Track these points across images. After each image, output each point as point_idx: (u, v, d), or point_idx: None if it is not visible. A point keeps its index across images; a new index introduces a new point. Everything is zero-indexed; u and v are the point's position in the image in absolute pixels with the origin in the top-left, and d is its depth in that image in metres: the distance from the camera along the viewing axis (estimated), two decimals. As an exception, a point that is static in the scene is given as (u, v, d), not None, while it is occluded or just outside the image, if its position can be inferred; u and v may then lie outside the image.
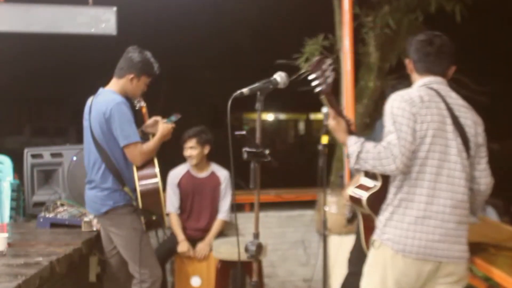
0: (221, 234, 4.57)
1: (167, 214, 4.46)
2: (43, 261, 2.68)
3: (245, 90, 2.30)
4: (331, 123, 2.60)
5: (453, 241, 2.54)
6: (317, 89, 2.52)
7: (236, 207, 4.92)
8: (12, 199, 4.10)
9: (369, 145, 2.45)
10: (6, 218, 3.99)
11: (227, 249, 4.21)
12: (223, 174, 4.56)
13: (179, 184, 4.52)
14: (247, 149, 2.19)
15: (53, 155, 4.28)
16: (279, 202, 5.27)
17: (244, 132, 2.12)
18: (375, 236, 2.55)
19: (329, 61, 2.52)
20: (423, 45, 2.65)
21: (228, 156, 2.34)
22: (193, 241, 4.45)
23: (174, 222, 4.48)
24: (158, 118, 3.60)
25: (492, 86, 5.83)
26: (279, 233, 5.12)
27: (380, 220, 2.53)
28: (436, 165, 2.45)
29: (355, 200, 2.76)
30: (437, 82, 2.62)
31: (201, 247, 4.40)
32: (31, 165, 4.24)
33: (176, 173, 4.56)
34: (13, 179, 4.18)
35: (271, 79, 2.39)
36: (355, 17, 4.88)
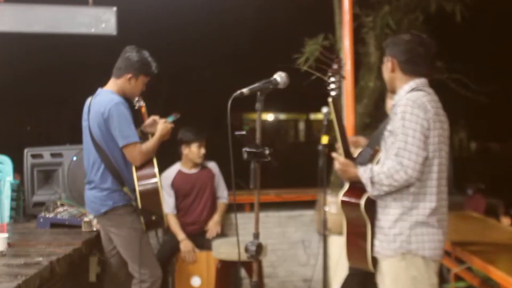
0: (221, 234, 4.59)
1: (166, 215, 4.48)
2: (43, 261, 2.68)
3: (245, 90, 2.29)
4: (338, 167, 2.62)
5: None
6: (332, 93, 2.62)
7: (236, 207, 4.93)
8: (12, 199, 4.10)
9: (377, 167, 2.50)
10: (6, 218, 3.99)
11: (227, 249, 4.21)
12: (212, 165, 4.73)
13: (173, 184, 4.59)
14: (247, 149, 2.19)
15: (53, 155, 4.28)
16: (279, 202, 5.27)
17: (244, 132, 2.12)
18: (399, 250, 2.51)
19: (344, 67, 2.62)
20: (413, 46, 2.63)
21: (228, 156, 2.34)
22: (194, 238, 4.50)
23: (172, 222, 4.51)
24: (157, 117, 3.60)
25: (492, 86, 5.83)
26: (279, 233, 5.12)
27: (400, 232, 2.51)
28: (440, 170, 2.55)
29: (349, 205, 2.69)
30: (426, 84, 2.64)
31: (212, 225, 4.54)
32: (31, 165, 4.23)
33: (168, 175, 4.62)
34: (13, 179, 4.18)
35: (271, 79, 2.39)
36: (355, 17, 4.88)
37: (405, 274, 2.50)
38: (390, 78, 2.68)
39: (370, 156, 2.70)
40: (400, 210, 2.51)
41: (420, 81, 2.61)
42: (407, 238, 2.49)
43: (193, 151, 4.54)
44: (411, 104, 2.46)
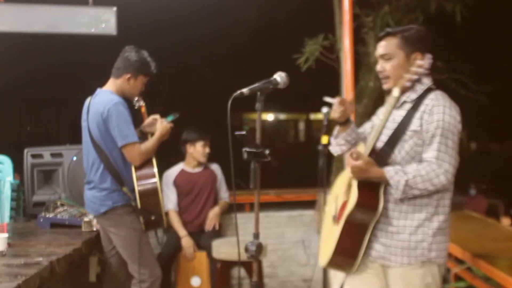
0: (218, 232, 4.60)
1: (166, 213, 4.50)
2: (43, 261, 2.68)
3: (245, 90, 2.29)
4: (359, 165, 2.33)
5: None
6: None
7: (236, 207, 4.93)
8: (12, 199, 4.10)
9: (412, 169, 2.31)
10: (6, 218, 3.99)
11: (227, 249, 4.21)
12: (215, 167, 4.79)
13: (175, 182, 4.65)
14: (247, 149, 2.18)
15: (53, 155, 4.28)
16: (279, 202, 5.27)
17: (244, 132, 2.12)
18: (420, 258, 2.38)
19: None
20: (430, 39, 2.51)
21: (228, 156, 2.34)
22: (193, 236, 4.51)
23: (174, 218, 4.54)
24: (157, 116, 3.60)
25: (492, 86, 5.83)
26: (279, 233, 5.12)
27: (422, 239, 2.37)
28: None
29: (363, 208, 2.40)
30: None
31: (212, 216, 4.60)
32: (31, 165, 4.23)
33: (171, 173, 4.70)
34: (13, 179, 4.18)
35: (271, 79, 2.39)
36: (355, 17, 4.88)
37: (420, 282, 2.39)
38: (420, 79, 2.45)
39: (387, 156, 2.43)
40: (424, 215, 2.38)
41: (428, 76, 2.49)
42: (429, 245, 2.38)
43: (198, 149, 4.61)
44: (449, 105, 2.36)
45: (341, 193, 2.58)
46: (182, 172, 4.69)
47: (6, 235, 2.93)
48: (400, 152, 2.41)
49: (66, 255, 2.92)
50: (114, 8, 4.20)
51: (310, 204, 5.10)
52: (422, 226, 2.38)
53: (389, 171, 2.32)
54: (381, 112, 2.63)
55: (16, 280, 2.32)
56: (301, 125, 26.17)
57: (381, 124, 2.42)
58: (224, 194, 4.80)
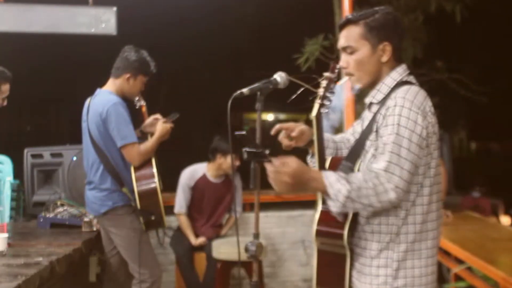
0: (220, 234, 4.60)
1: (179, 214, 4.49)
2: (43, 261, 2.68)
3: (245, 90, 2.29)
4: (285, 170, 1.88)
5: None
6: (323, 110, 2.02)
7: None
8: (12, 199, 4.10)
9: (357, 179, 1.84)
10: (6, 218, 3.99)
11: (227, 249, 4.21)
12: (237, 179, 4.66)
13: (194, 188, 4.53)
14: (247, 149, 2.18)
15: (53, 155, 4.28)
16: (279, 202, 5.27)
17: (244, 132, 2.11)
18: (383, 287, 1.95)
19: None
20: (401, 24, 2.12)
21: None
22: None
23: (184, 223, 4.51)
24: (158, 116, 3.60)
25: (492, 86, 5.83)
26: (279, 233, 5.12)
27: (385, 264, 1.96)
28: (435, 182, 1.99)
29: (327, 235, 2.03)
30: (408, 71, 2.06)
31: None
32: (31, 165, 4.24)
33: (192, 175, 4.57)
34: (13, 179, 4.18)
35: (271, 79, 2.38)
36: (355, 17, 4.87)
37: None
38: (378, 69, 2.03)
39: (350, 171, 2.00)
40: (388, 237, 1.95)
41: (403, 69, 2.03)
42: (394, 272, 1.94)
43: (229, 162, 4.44)
44: (409, 106, 1.87)
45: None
46: (204, 178, 4.55)
47: (6, 235, 2.93)
48: (361, 165, 2.01)
49: (66, 255, 2.92)
50: (114, 8, 4.21)
51: (310, 204, 5.10)
52: (386, 249, 1.95)
53: (329, 177, 1.85)
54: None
55: (16, 280, 2.31)
56: (301, 125, 26.16)
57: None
58: (238, 207, 4.73)
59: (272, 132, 2.19)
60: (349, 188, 1.81)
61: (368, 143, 1.99)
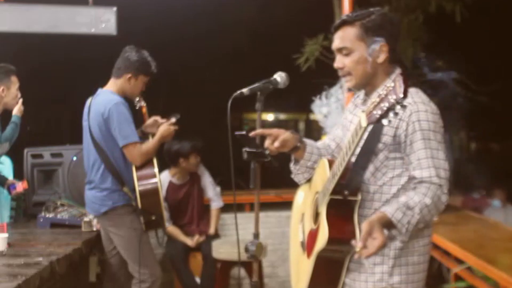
0: (216, 234, 4.60)
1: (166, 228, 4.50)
2: (43, 261, 2.68)
3: (245, 90, 2.29)
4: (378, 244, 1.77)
5: None
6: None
7: (236, 207, 4.92)
8: (12, 199, 4.10)
9: (414, 201, 1.85)
10: (6, 218, 3.99)
11: (227, 249, 4.21)
12: (201, 169, 4.68)
13: (167, 198, 4.51)
14: (247, 149, 2.18)
15: (53, 155, 4.28)
16: (279, 202, 5.27)
17: (244, 132, 2.12)
18: (379, 284, 1.98)
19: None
20: (397, 25, 2.07)
21: (228, 156, 2.33)
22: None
23: (174, 232, 4.50)
24: (158, 117, 3.60)
25: (492, 86, 5.83)
26: (279, 233, 5.11)
27: (384, 261, 1.98)
28: None
29: (338, 243, 1.96)
30: None
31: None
32: (31, 165, 4.24)
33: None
34: (13, 179, 4.17)
35: (271, 79, 2.39)
36: (355, 17, 4.87)
37: None
38: (374, 70, 2.01)
39: (359, 179, 1.99)
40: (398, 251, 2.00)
41: (396, 74, 1.87)
42: (390, 269, 1.97)
43: (192, 162, 4.51)
44: (430, 110, 1.93)
45: (308, 215, 2.21)
46: (171, 185, 4.56)
47: (6, 235, 2.94)
48: (370, 168, 2.00)
49: (66, 255, 2.92)
50: (114, 8, 4.21)
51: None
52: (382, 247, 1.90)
53: (394, 214, 1.82)
54: (349, 112, 2.23)
55: (16, 280, 2.32)
56: (301, 125, 26.15)
57: (349, 151, 1.86)
58: (213, 196, 4.68)
59: (251, 134, 2.16)
60: (417, 218, 1.84)
61: (380, 145, 1.97)
